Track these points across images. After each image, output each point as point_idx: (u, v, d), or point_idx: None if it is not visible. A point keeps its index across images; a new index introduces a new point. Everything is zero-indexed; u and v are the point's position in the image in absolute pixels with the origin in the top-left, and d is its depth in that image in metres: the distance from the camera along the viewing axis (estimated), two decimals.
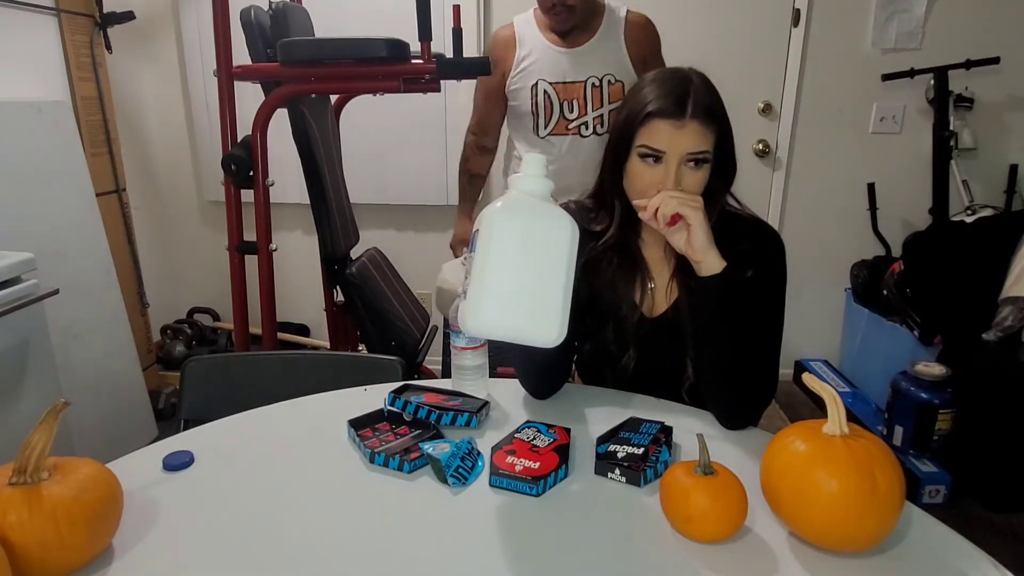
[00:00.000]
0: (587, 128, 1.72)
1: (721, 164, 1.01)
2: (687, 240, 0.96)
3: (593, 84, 1.69)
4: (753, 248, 1.03)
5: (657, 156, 0.97)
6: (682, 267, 1.05)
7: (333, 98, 2.23)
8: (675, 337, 1.06)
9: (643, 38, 1.77)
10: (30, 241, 1.70)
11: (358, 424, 0.96)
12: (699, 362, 1.04)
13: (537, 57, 1.72)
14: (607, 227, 1.09)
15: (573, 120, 1.72)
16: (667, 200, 0.93)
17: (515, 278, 0.76)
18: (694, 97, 0.95)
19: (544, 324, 0.77)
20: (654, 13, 1.81)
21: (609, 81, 1.70)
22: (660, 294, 1.10)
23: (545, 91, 1.71)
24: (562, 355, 1.05)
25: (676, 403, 1.07)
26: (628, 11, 1.78)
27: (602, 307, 1.09)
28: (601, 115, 1.71)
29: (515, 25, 1.77)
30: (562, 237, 0.78)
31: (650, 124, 0.96)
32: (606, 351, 1.10)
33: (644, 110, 0.96)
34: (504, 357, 1.13)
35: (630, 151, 0.99)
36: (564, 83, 1.70)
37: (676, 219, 0.94)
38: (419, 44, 1.80)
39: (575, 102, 1.70)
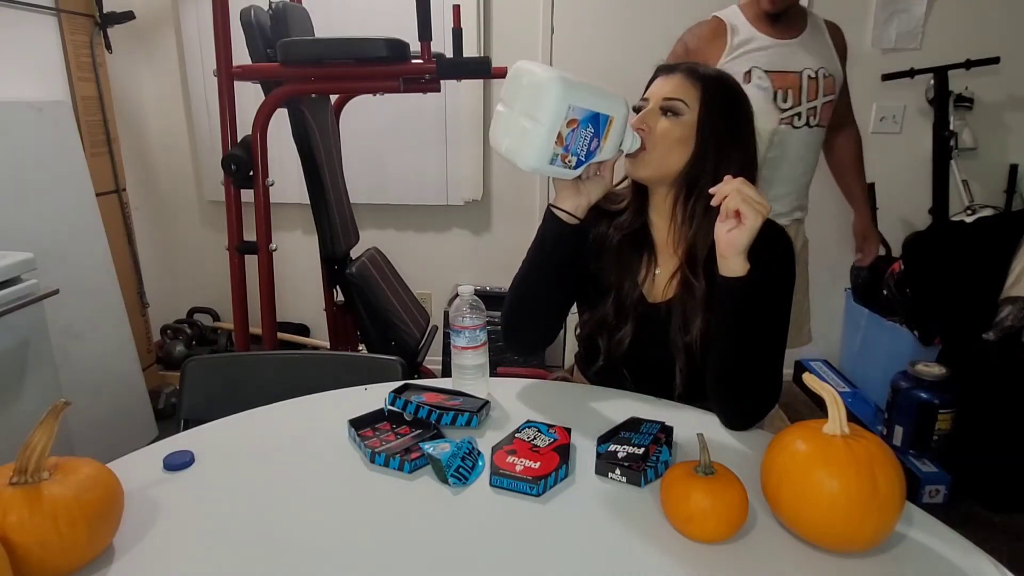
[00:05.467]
0: (799, 119, 1.74)
1: (706, 142, 1.02)
2: (730, 231, 0.93)
3: (809, 76, 1.72)
4: (760, 247, 1.03)
5: (644, 107, 1.06)
6: (687, 263, 1.06)
7: (333, 98, 2.23)
8: (665, 334, 1.07)
9: (842, 44, 1.81)
10: (30, 241, 1.69)
11: (358, 424, 0.96)
12: (705, 361, 1.04)
13: (753, 45, 1.73)
14: (625, 207, 1.14)
15: (786, 110, 1.73)
16: (735, 194, 0.91)
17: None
18: (689, 62, 1.08)
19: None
20: (655, 15, 1.80)
21: (824, 75, 1.73)
22: (660, 282, 1.11)
23: (759, 78, 1.72)
24: (566, 283, 1.11)
25: (676, 403, 1.07)
26: (823, 19, 1.82)
27: (607, 280, 1.12)
28: (815, 107, 1.74)
29: (723, 17, 1.77)
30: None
31: (651, 84, 1.09)
32: (605, 321, 1.12)
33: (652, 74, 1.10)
34: (504, 358, 1.14)
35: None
36: (778, 72, 1.72)
37: (737, 214, 0.92)
38: (419, 44, 1.80)
39: (789, 92, 1.72)
